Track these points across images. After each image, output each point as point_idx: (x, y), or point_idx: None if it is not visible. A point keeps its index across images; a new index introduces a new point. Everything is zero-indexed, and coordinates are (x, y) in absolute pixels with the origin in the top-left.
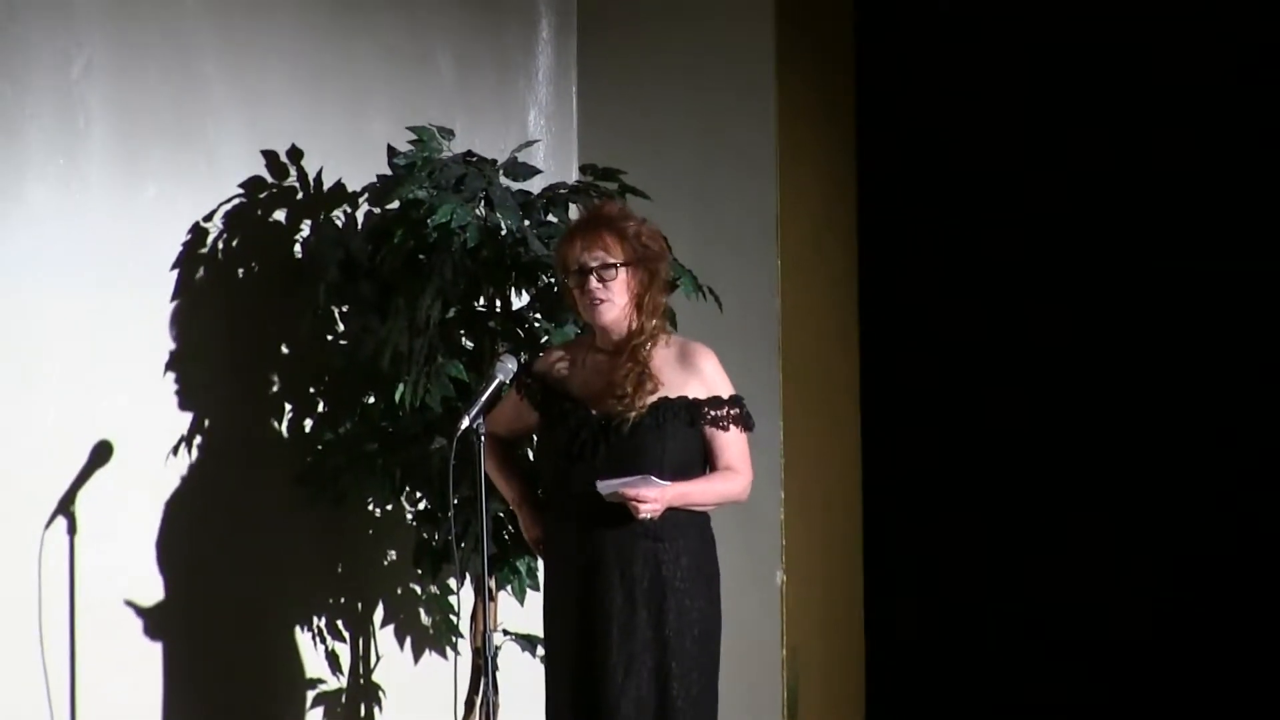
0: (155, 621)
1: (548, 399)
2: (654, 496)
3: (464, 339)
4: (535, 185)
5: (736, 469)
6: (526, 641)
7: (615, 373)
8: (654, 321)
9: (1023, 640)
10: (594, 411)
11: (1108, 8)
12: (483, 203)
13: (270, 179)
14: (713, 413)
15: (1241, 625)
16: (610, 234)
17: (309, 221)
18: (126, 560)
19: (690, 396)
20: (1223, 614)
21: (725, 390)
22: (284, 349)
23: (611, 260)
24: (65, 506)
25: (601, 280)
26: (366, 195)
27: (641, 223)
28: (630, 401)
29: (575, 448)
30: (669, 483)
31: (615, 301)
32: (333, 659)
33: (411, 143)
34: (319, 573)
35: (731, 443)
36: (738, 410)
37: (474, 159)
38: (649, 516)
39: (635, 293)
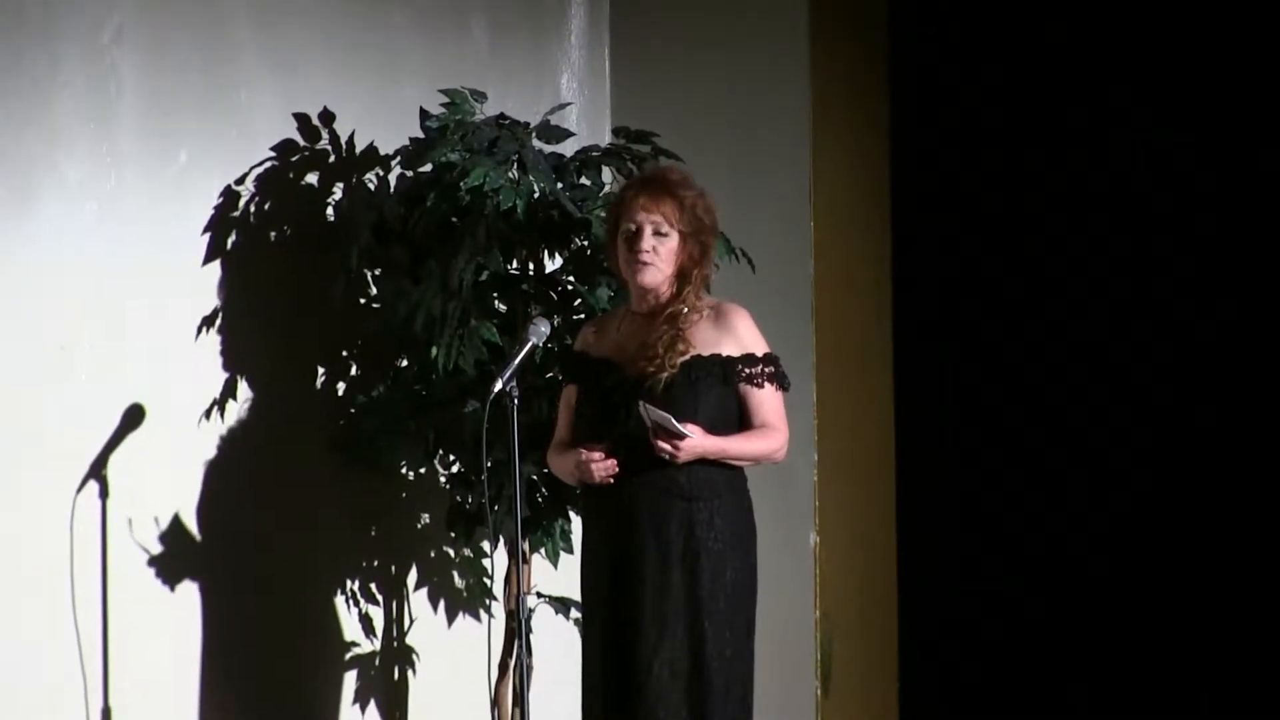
0: (187, 585)
1: (583, 367)
2: (693, 440)
3: (497, 302)
4: (568, 148)
5: (773, 426)
6: (560, 604)
7: (649, 335)
8: (695, 293)
9: (1058, 607)
10: (627, 372)
11: None
12: (515, 166)
13: (302, 142)
14: (747, 370)
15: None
16: (674, 200)
17: (341, 185)
18: (158, 524)
19: (724, 354)
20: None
21: (760, 349)
22: (316, 313)
23: (667, 228)
24: (97, 470)
25: (655, 244)
26: (399, 158)
27: (700, 194)
28: (661, 363)
29: (608, 408)
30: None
31: (661, 267)
32: (366, 622)
33: (444, 105)
34: (352, 536)
35: (766, 400)
36: (773, 368)
37: (507, 122)
38: (670, 456)
39: (682, 263)
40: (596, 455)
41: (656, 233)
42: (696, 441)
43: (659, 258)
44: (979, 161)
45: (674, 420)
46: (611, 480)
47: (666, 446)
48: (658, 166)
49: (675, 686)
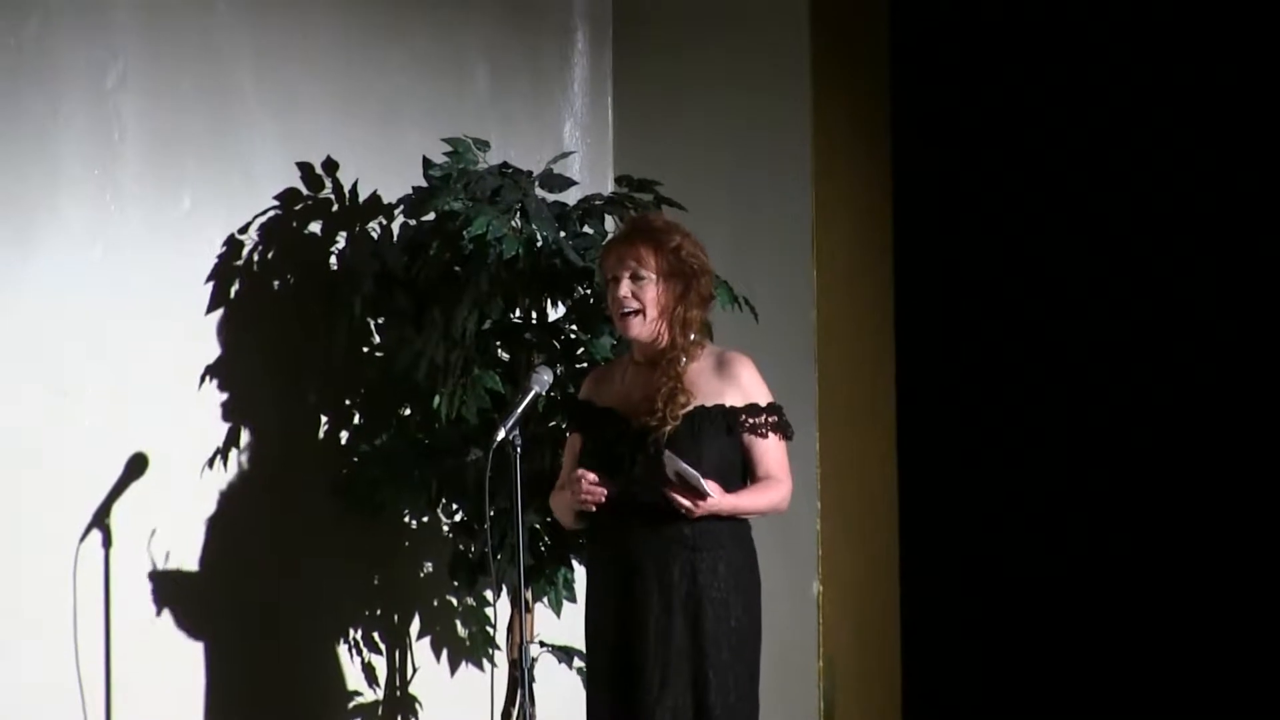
0: (191, 634)
1: (590, 416)
2: (713, 500)
3: (500, 351)
4: (571, 197)
5: (776, 477)
6: (563, 653)
7: (651, 386)
8: (690, 336)
9: (1061, 652)
10: (631, 424)
11: (1150, 9)
12: (518, 214)
13: (305, 191)
14: (750, 420)
15: None
16: (646, 245)
17: (344, 233)
18: (161, 573)
19: (727, 404)
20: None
21: (763, 398)
22: (320, 361)
23: (644, 272)
24: (100, 519)
25: (633, 291)
26: (402, 207)
27: (685, 237)
28: (664, 417)
29: (613, 459)
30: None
31: (645, 313)
32: (369, 671)
33: (447, 154)
34: (355, 585)
35: (770, 450)
36: (776, 417)
37: (509, 170)
38: (686, 511)
39: (667, 306)
40: (591, 477)
41: (634, 278)
42: (715, 500)
43: (640, 304)
44: (983, 206)
45: (699, 477)
46: (593, 507)
47: (685, 502)
48: (638, 215)
49: None
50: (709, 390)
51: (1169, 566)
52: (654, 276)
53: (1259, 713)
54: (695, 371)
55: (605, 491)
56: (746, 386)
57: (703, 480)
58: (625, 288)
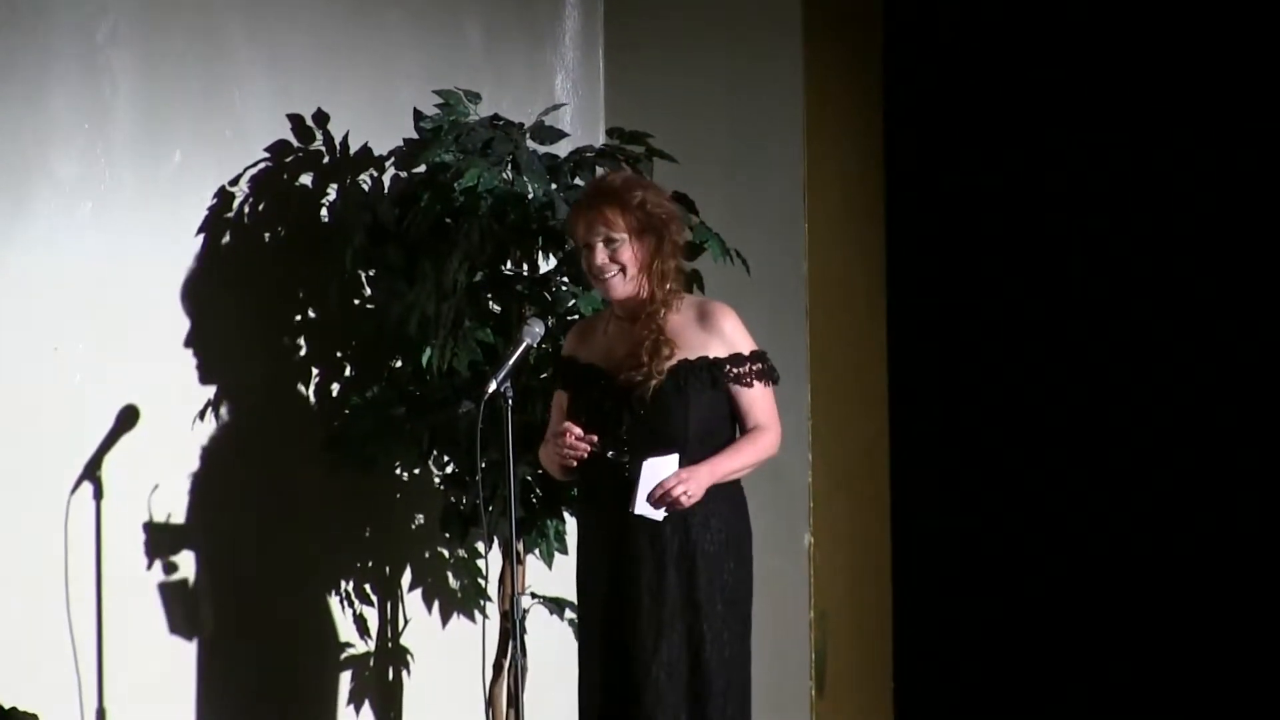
0: (181, 586)
1: (575, 373)
2: (686, 481)
3: (491, 303)
4: (562, 149)
5: (765, 425)
6: (555, 605)
7: (633, 340)
8: (668, 287)
9: (1052, 607)
10: (616, 380)
11: None
12: (510, 166)
13: (296, 143)
14: (735, 370)
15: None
16: (612, 207)
17: (335, 186)
18: (152, 525)
19: (711, 356)
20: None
21: (746, 346)
22: (310, 314)
23: (616, 234)
24: (91, 471)
25: (609, 256)
26: (393, 159)
27: (646, 189)
28: (649, 370)
29: (599, 417)
30: (688, 463)
31: (626, 273)
32: (361, 623)
33: (438, 106)
34: (347, 537)
35: (757, 399)
36: (760, 365)
37: (501, 123)
38: (685, 504)
39: (645, 262)
40: (576, 431)
41: (607, 242)
42: (693, 481)
43: (619, 266)
44: (973, 161)
45: (653, 489)
46: (574, 462)
47: (680, 501)
48: (595, 178)
49: (673, 689)
50: (692, 343)
51: (1172, 515)
52: (626, 236)
53: (1257, 711)
54: (677, 324)
55: (588, 447)
56: (729, 336)
57: (666, 481)
58: (601, 255)
